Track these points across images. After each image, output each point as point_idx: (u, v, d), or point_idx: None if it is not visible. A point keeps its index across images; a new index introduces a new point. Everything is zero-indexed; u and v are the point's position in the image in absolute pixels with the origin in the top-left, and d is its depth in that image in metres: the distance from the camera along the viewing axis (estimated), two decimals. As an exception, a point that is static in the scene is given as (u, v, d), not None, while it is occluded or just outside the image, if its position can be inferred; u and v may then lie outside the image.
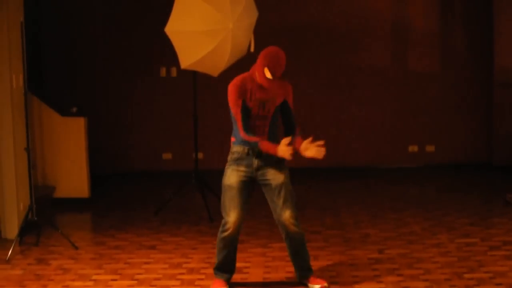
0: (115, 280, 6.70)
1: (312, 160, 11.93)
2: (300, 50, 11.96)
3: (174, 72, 11.72)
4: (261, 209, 9.24)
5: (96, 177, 10.66)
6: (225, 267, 6.36)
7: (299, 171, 11.84)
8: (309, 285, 6.34)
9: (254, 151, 6.09)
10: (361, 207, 9.37)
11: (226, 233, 6.19)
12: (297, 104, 11.82)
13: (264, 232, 8.25)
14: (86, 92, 11.78)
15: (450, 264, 6.89)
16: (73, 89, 11.72)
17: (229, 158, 6.23)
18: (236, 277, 6.58)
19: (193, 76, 9.15)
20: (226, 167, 6.23)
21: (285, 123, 6.31)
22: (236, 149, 6.17)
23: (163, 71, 11.89)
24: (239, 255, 6.90)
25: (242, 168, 6.15)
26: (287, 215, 6.17)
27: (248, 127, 6.06)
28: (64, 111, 10.09)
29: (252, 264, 7.02)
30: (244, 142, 6.09)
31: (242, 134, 6.05)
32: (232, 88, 6.07)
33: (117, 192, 10.94)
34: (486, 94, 11.91)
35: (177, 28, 8.22)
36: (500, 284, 6.30)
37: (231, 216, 6.13)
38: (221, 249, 6.28)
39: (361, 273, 6.70)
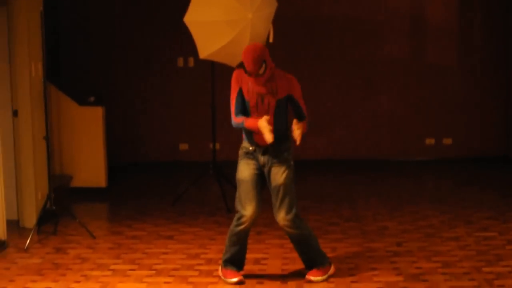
0: (133, 270, 6.70)
1: (329, 152, 11.99)
2: (318, 41, 11.95)
3: (191, 62, 11.71)
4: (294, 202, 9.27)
5: (113, 167, 10.67)
6: (237, 261, 6.35)
7: (316, 163, 11.88)
8: (307, 273, 6.37)
9: (260, 149, 6.11)
10: (378, 200, 9.35)
11: (241, 227, 6.19)
12: (315, 96, 11.91)
13: None
14: (103, 81, 11.79)
15: (469, 257, 6.86)
16: (91, 79, 11.74)
17: (240, 152, 6.27)
18: (254, 268, 6.60)
19: (211, 66, 9.14)
20: (238, 161, 6.26)
21: (296, 117, 6.20)
22: (244, 144, 6.23)
23: (180, 61, 11.88)
24: (257, 246, 6.92)
25: (254, 162, 6.17)
26: (281, 216, 6.14)
27: (240, 114, 6.11)
28: (82, 101, 10.11)
29: (270, 256, 7.01)
30: (249, 139, 6.15)
31: (232, 118, 6.10)
32: (233, 75, 6.16)
33: (133, 182, 10.96)
34: (504, 87, 11.85)
35: (196, 18, 8.20)
36: (519, 278, 6.28)
37: (248, 210, 6.13)
38: (234, 243, 6.28)
39: (379, 265, 6.67)
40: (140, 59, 11.95)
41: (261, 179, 6.21)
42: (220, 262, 6.43)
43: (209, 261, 6.90)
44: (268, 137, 5.86)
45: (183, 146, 12.00)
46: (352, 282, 6.28)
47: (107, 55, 11.91)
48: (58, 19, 11.51)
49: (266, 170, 6.16)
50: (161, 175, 11.41)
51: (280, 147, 6.12)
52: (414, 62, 12.01)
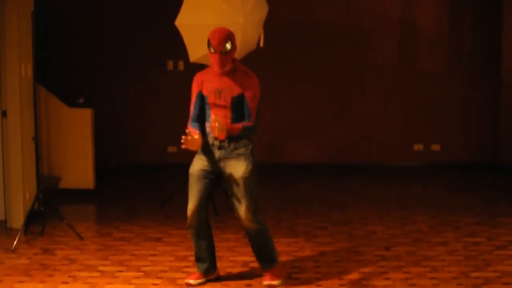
0: (121, 271, 6.69)
1: (318, 156, 12.00)
2: (309, 46, 11.97)
3: (181, 65, 11.71)
4: (267, 203, 9.29)
5: (101, 168, 10.64)
6: (199, 258, 6.36)
7: (305, 167, 11.90)
8: (263, 279, 6.36)
9: (217, 143, 6.06)
10: (367, 205, 9.36)
11: (187, 222, 6.24)
12: (304, 101, 11.92)
13: (270, 227, 8.08)
14: (92, 83, 11.76)
15: (457, 262, 6.88)
16: (80, 80, 11.71)
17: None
18: (243, 270, 6.63)
19: (201, 70, 9.10)
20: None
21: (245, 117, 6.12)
22: (204, 140, 6.14)
23: (170, 65, 11.88)
24: (245, 250, 6.91)
25: (204, 158, 6.13)
26: (242, 210, 6.09)
27: (195, 120, 6.12)
28: (71, 102, 10.09)
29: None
30: (209, 134, 6.09)
31: (188, 124, 6.13)
32: (193, 79, 6.20)
33: (122, 184, 10.95)
34: (493, 94, 11.89)
35: (187, 21, 8.18)
36: (507, 283, 6.28)
37: (189, 204, 6.16)
38: (193, 239, 6.32)
39: (367, 269, 6.68)
40: (130, 61, 11.94)
41: (210, 176, 6.14)
42: None
43: (198, 264, 6.89)
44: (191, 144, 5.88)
45: (172, 149, 11.98)
46: (340, 286, 6.27)
47: (97, 57, 11.88)
48: (48, 20, 11.48)
49: (222, 165, 6.09)
50: (149, 178, 11.39)
51: (237, 143, 6.05)
52: (403, 69, 12.04)
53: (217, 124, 5.74)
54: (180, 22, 8.21)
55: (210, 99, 6.03)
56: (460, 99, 12.01)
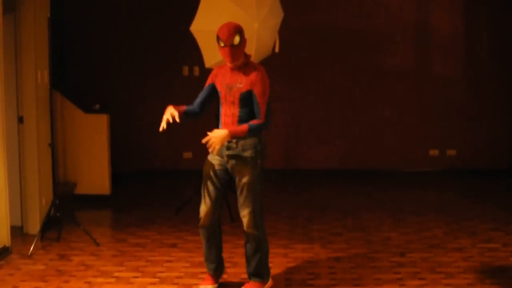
0: (137, 277, 6.71)
1: (333, 162, 12.00)
2: (324, 51, 11.96)
3: (196, 71, 11.73)
4: (282, 209, 9.30)
5: (117, 174, 10.69)
6: (208, 258, 6.34)
7: (320, 173, 11.89)
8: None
9: (225, 143, 5.98)
10: (382, 210, 9.34)
11: (200, 222, 6.21)
12: (320, 106, 11.92)
13: (285, 233, 8.24)
14: (108, 89, 11.80)
15: (473, 269, 6.85)
16: (96, 86, 11.76)
17: None
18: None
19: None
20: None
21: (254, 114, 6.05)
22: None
23: (185, 70, 11.91)
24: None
25: (217, 157, 6.09)
26: (243, 214, 6.06)
27: (197, 105, 6.25)
28: (87, 108, 10.13)
29: (273, 265, 6.99)
30: None
31: None
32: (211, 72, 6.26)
33: (137, 190, 10.97)
34: (509, 99, 11.86)
35: (202, 27, 8.21)
36: (523, 290, 6.28)
37: (202, 205, 6.15)
38: (202, 239, 6.31)
39: (383, 276, 6.67)
40: (146, 67, 11.98)
41: (223, 176, 6.13)
42: None
43: (213, 270, 6.90)
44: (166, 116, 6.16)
45: (187, 155, 12.01)
46: (356, 292, 6.29)
47: (112, 63, 11.93)
48: (64, 26, 11.54)
49: (229, 165, 6.05)
50: (165, 183, 11.42)
51: (245, 144, 5.98)
52: (419, 73, 12.02)
53: (210, 141, 5.73)
54: (195, 28, 8.25)
55: (221, 93, 6.03)
56: (476, 104, 11.97)
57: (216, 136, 5.74)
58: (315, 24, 11.94)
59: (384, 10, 11.94)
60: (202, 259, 7.18)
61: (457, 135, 12.09)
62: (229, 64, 6.00)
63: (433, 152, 12.10)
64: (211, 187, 6.10)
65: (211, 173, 6.10)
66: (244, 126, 5.84)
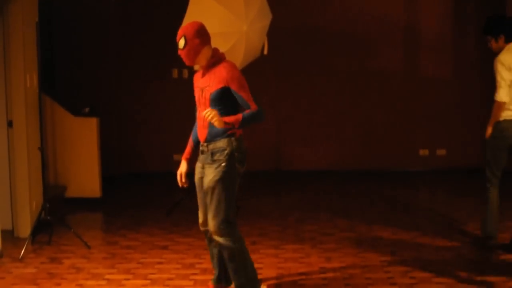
0: (128, 279, 6.71)
1: (324, 162, 12.02)
2: (313, 53, 11.99)
3: (185, 73, 11.74)
4: (273, 210, 9.32)
5: (107, 177, 10.69)
6: (212, 263, 6.28)
7: (311, 173, 11.91)
8: None
9: (200, 147, 5.91)
10: (373, 210, 9.37)
11: (201, 229, 6.14)
12: (309, 107, 11.94)
13: (276, 234, 8.26)
14: (98, 92, 11.79)
15: (463, 267, 6.88)
16: (85, 90, 11.74)
17: None
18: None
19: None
20: None
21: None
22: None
23: (175, 73, 11.92)
24: (251, 256, 6.90)
25: (199, 164, 5.96)
26: (208, 218, 5.85)
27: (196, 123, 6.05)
28: (76, 111, 10.13)
29: (264, 265, 7.01)
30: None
31: None
32: None
33: (128, 192, 10.97)
34: (498, 98, 11.89)
35: (191, 29, 8.21)
36: (513, 287, 6.31)
37: (199, 212, 6.08)
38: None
39: (373, 275, 6.69)
40: (135, 70, 11.98)
41: None
42: None
43: (204, 271, 6.91)
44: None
45: (178, 157, 11.98)
46: (347, 291, 6.31)
47: (102, 66, 11.92)
48: (53, 30, 11.53)
49: (204, 170, 5.90)
50: (155, 186, 11.41)
51: (214, 148, 5.76)
52: (408, 74, 12.06)
53: (208, 115, 5.48)
54: (184, 30, 8.24)
55: (196, 97, 5.92)
56: (464, 103, 12.02)
57: (211, 117, 5.49)
58: (304, 26, 11.96)
59: (373, 12, 11.97)
60: (193, 260, 7.26)
61: (447, 135, 12.12)
62: (187, 65, 5.94)
63: (423, 152, 12.14)
64: (199, 196, 6.02)
65: (198, 181, 5.97)
66: (239, 115, 5.63)
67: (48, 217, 7.97)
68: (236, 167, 5.79)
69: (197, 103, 5.92)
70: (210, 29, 7.99)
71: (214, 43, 8.16)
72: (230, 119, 5.60)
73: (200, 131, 5.87)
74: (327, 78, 12.05)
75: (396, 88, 12.05)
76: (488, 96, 11.90)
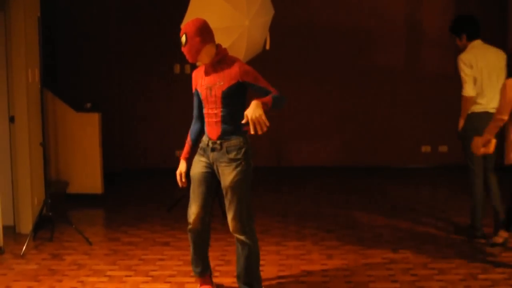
0: (130, 276, 6.71)
1: (325, 159, 12.00)
2: (314, 49, 11.98)
3: (187, 68, 11.72)
4: (274, 206, 9.30)
5: (109, 173, 10.68)
6: (195, 262, 6.15)
7: (312, 170, 11.90)
8: None
9: (210, 144, 5.81)
10: (375, 207, 9.36)
11: (189, 227, 6.02)
12: (311, 103, 11.92)
13: (277, 230, 8.25)
14: (100, 88, 11.79)
15: (464, 264, 6.87)
16: (87, 85, 11.74)
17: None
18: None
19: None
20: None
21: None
22: (202, 138, 5.95)
23: (177, 68, 11.90)
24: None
25: (204, 159, 5.88)
26: (229, 218, 5.80)
27: (197, 119, 6.04)
28: (78, 107, 10.11)
29: (266, 262, 7.00)
30: (205, 133, 5.90)
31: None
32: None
33: (130, 189, 10.96)
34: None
35: (193, 25, 8.20)
36: (515, 285, 6.30)
37: (192, 209, 5.94)
38: (191, 243, 6.09)
39: (375, 272, 6.68)
40: (137, 65, 11.96)
41: (212, 178, 5.90)
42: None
43: (205, 268, 6.90)
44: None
45: (179, 153, 12.00)
46: (348, 288, 6.30)
47: (103, 62, 11.91)
48: (54, 25, 11.51)
49: (215, 167, 5.82)
50: (157, 182, 11.40)
51: (229, 146, 5.74)
52: (410, 70, 12.04)
53: (256, 117, 5.34)
54: (186, 26, 8.23)
55: (202, 95, 5.81)
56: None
57: (253, 112, 5.36)
58: (306, 22, 11.94)
59: (375, 8, 11.95)
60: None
61: (449, 131, 12.07)
62: (190, 61, 5.84)
63: (425, 149, 12.13)
64: (199, 191, 5.90)
65: (199, 176, 5.88)
66: (268, 97, 5.56)
67: (50, 213, 7.97)
68: (251, 164, 5.85)
69: (204, 101, 5.81)
70: (212, 23, 7.97)
71: (216, 38, 8.17)
72: (263, 100, 5.50)
73: (211, 128, 5.79)
74: (328, 74, 12.03)
75: (398, 84, 12.03)
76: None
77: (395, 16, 11.95)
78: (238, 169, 5.72)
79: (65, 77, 11.72)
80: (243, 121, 5.41)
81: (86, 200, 9.92)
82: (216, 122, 5.75)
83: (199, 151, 5.95)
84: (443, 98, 11.99)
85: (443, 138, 12.08)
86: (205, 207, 5.93)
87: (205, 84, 5.79)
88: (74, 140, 10.01)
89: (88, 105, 10.23)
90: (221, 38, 8.08)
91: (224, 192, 5.80)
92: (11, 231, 8.26)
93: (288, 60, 11.95)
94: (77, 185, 10.06)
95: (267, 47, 8.74)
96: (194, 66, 8.82)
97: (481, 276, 6.51)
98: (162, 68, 11.95)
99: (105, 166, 10.25)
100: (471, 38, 7.88)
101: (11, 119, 8.24)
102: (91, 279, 6.63)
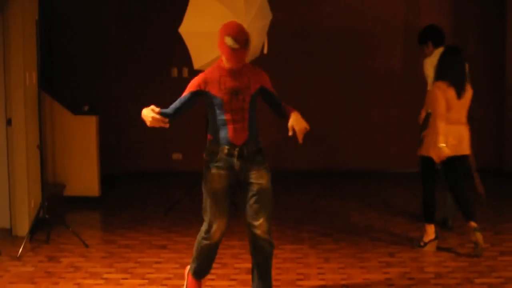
0: (126, 279, 6.70)
1: (323, 162, 12.00)
2: (313, 53, 11.99)
3: (185, 72, 11.73)
4: (273, 211, 9.27)
5: (106, 176, 10.67)
6: (203, 272, 6.02)
7: (310, 173, 11.90)
8: None
9: (235, 150, 5.60)
10: (371, 211, 9.36)
11: (211, 241, 5.78)
12: (309, 107, 11.93)
13: (275, 234, 8.10)
14: (97, 91, 11.79)
15: (461, 268, 6.87)
16: (85, 88, 11.74)
17: (207, 158, 5.73)
18: (247, 278, 6.56)
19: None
20: (205, 168, 5.73)
21: (272, 107, 5.79)
22: (214, 149, 5.66)
23: (174, 72, 11.91)
24: (250, 257, 6.92)
25: (224, 172, 5.63)
26: (261, 221, 5.62)
27: (173, 109, 5.66)
28: (75, 110, 10.11)
29: (263, 265, 7.00)
30: (223, 139, 5.62)
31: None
32: (197, 77, 5.71)
33: (127, 192, 10.97)
34: (498, 100, 11.89)
35: (191, 29, 8.22)
36: (511, 289, 6.30)
37: (217, 224, 5.70)
38: (204, 256, 5.90)
39: (372, 276, 6.69)
40: (134, 68, 11.97)
41: (233, 191, 5.75)
42: (188, 268, 6.14)
43: (202, 271, 6.89)
44: (152, 122, 5.60)
45: (177, 156, 12.01)
46: (345, 292, 6.30)
47: (101, 65, 11.91)
48: (52, 28, 11.51)
49: (243, 174, 5.64)
50: (154, 185, 11.41)
51: (254, 149, 5.66)
52: (408, 74, 12.04)
53: (300, 128, 5.51)
54: (184, 29, 8.25)
55: (224, 100, 5.52)
56: (465, 104, 11.99)
57: (300, 124, 5.52)
58: (304, 26, 11.96)
59: (373, 11, 11.96)
60: (191, 260, 7.19)
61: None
62: (234, 67, 5.52)
63: (422, 153, 12.12)
64: (224, 206, 5.68)
65: (223, 190, 5.66)
66: (291, 109, 5.69)
67: (47, 216, 7.97)
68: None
69: (226, 106, 5.54)
70: (209, 28, 8.05)
71: (214, 42, 8.16)
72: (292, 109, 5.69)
73: (237, 133, 5.59)
74: (327, 77, 12.04)
75: (396, 87, 12.04)
76: (489, 96, 11.95)
77: (393, 19, 11.96)
78: (268, 171, 5.71)
79: (63, 80, 11.71)
80: (290, 134, 5.52)
81: (83, 203, 9.92)
82: (243, 127, 5.59)
83: (217, 163, 5.65)
84: (440, 103, 11.99)
85: (441, 143, 12.06)
86: (227, 220, 5.76)
87: (229, 87, 5.54)
88: (72, 142, 10.01)
89: (86, 108, 10.23)
90: (219, 42, 8.11)
91: (256, 195, 5.62)
92: (7, 234, 8.26)
93: (286, 64, 11.94)
94: (74, 187, 10.06)
95: (265, 51, 8.75)
96: (192, 71, 8.82)
97: (477, 281, 6.51)
98: (160, 71, 11.95)
99: (102, 168, 10.25)
100: (436, 45, 8.50)
101: (8, 122, 8.25)
102: (87, 281, 6.63)
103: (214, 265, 6.87)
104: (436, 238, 7.56)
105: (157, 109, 5.60)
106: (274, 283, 6.46)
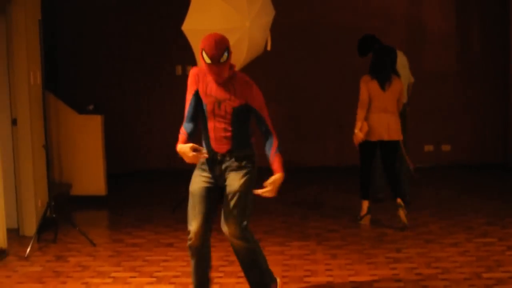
0: (134, 277, 6.71)
1: (328, 159, 12.00)
2: (316, 49, 11.99)
3: (189, 70, 11.70)
4: (278, 207, 9.29)
5: (112, 174, 10.68)
6: (195, 281, 5.83)
7: (315, 170, 11.90)
8: None
9: (217, 157, 5.55)
10: (378, 206, 9.33)
11: (189, 243, 5.65)
12: (313, 104, 11.92)
13: (281, 231, 8.26)
14: (102, 90, 11.80)
15: (469, 263, 6.86)
16: (90, 87, 11.76)
17: None
18: (255, 275, 6.58)
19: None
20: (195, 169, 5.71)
21: (260, 130, 5.61)
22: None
23: (178, 70, 11.91)
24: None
25: (206, 174, 5.59)
26: (229, 225, 5.53)
27: (190, 121, 5.58)
28: (81, 109, 10.12)
29: (270, 262, 6.92)
30: (207, 146, 5.57)
31: (180, 128, 5.59)
32: (190, 74, 5.62)
33: (133, 190, 10.98)
34: (502, 94, 11.88)
35: (194, 26, 8.21)
36: (519, 283, 6.29)
37: (193, 225, 5.57)
38: (192, 265, 5.78)
39: (379, 271, 6.68)
40: (139, 67, 11.97)
41: (214, 194, 5.63)
42: None
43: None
44: (192, 159, 5.33)
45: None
46: (353, 288, 6.30)
47: (106, 64, 11.92)
48: (56, 27, 11.53)
49: (223, 178, 5.58)
50: (160, 183, 11.42)
51: (239, 155, 5.54)
52: (412, 69, 12.01)
53: (270, 193, 5.44)
54: (187, 27, 8.25)
55: (208, 106, 5.48)
56: (469, 99, 12.00)
57: (273, 191, 5.47)
58: (307, 22, 11.96)
59: (376, 6, 11.96)
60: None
61: (452, 130, 12.10)
62: (214, 80, 5.42)
63: (428, 148, 12.13)
64: (201, 207, 5.56)
65: (201, 191, 5.58)
66: (278, 155, 5.61)
67: (54, 215, 7.98)
68: (255, 173, 5.68)
69: (209, 114, 5.50)
70: (212, 25, 8.05)
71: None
72: (280, 164, 5.65)
73: (220, 143, 5.51)
74: (330, 73, 12.03)
75: (400, 83, 12.01)
76: (493, 91, 11.94)
77: (396, 14, 11.96)
78: (247, 176, 5.55)
79: (67, 80, 11.73)
80: (261, 192, 5.41)
81: (89, 202, 9.93)
82: (225, 137, 5.51)
83: (200, 166, 5.63)
84: (445, 97, 12.00)
85: (446, 137, 12.08)
86: (206, 224, 5.60)
87: (213, 96, 5.46)
88: (77, 142, 10.02)
89: (91, 107, 10.24)
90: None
91: (228, 196, 5.53)
92: (15, 234, 8.27)
93: (289, 61, 11.94)
94: (81, 187, 10.07)
95: (269, 48, 8.74)
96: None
97: (485, 275, 6.50)
98: (164, 69, 11.96)
99: (108, 167, 10.26)
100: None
101: (14, 122, 8.26)
102: (95, 280, 6.64)
103: (221, 263, 6.94)
104: (368, 212, 8.48)
105: (190, 145, 5.38)
106: (282, 279, 6.49)
